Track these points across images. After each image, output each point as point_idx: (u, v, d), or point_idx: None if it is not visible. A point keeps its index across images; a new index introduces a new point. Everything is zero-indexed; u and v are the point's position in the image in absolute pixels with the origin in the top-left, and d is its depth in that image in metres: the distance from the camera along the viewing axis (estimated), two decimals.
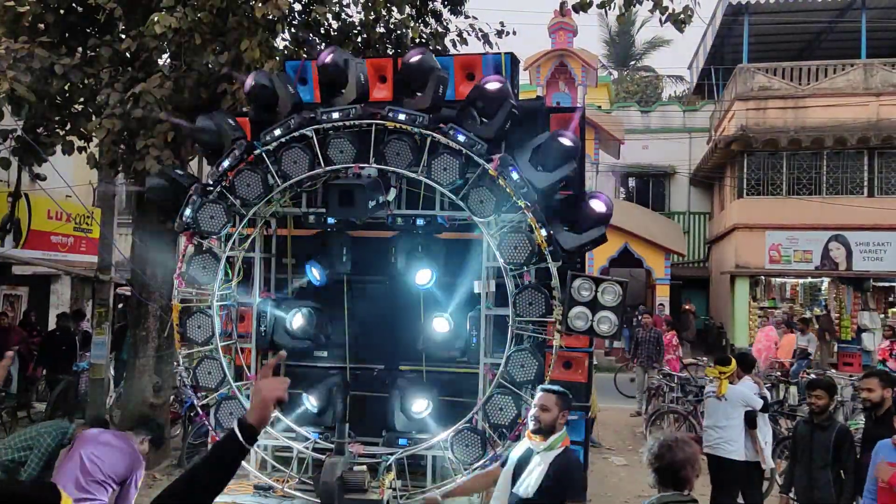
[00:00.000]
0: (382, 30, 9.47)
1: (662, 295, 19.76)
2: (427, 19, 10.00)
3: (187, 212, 5.21)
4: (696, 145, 24.77)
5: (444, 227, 5.42)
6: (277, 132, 5.15)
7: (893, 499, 4.45)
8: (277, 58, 7.89)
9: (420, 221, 5.25)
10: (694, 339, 21.32)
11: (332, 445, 4.85)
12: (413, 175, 4.97)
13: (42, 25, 7.75)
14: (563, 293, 4.80)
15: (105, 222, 10.83)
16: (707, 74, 24.33)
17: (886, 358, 13.80)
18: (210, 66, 7.69)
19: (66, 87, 7.88)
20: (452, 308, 5.37)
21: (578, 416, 5.27)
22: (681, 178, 24.97)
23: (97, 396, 10.58)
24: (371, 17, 9.17)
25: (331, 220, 5.38)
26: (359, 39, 9.40)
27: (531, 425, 3.83)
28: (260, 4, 7.29)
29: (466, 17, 10.21)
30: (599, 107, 23.35)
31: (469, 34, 10.00)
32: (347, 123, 5.07)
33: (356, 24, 9.51)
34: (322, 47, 8.92)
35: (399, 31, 9.41)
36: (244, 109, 5.71)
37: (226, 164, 5.24)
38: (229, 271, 5.54)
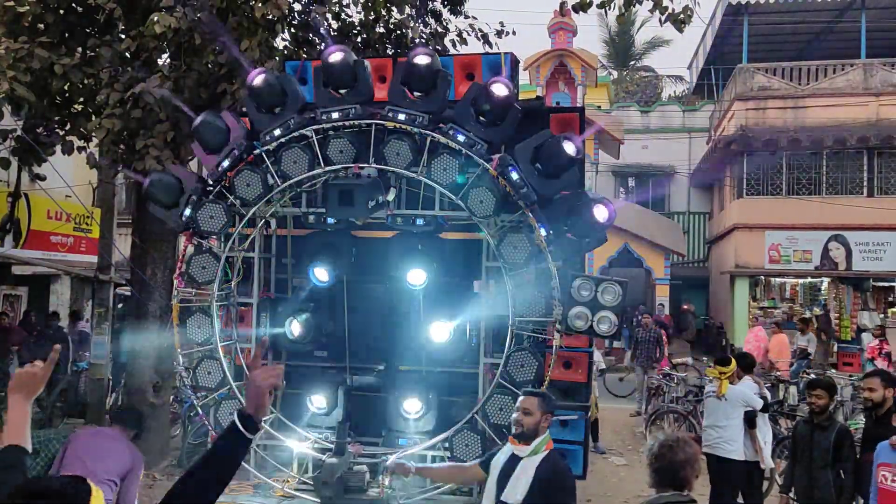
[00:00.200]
0: (382, 30, 9.47)
1: (662, 295, 19.76)
2: (427, 19, 10.00)
3: (187, 211, 5.22)
4: (695, 145, 24.78)
5: (444, 226, 5.42)
6: (277, 132, 5.15)
7: (894, 500, 4.45)
8: (277, 58, 7.89)
9: (420, 221, 5.24)
10: (693, 339, 21.32)
11: (332, 445, 4.85)
12: (413, 175, 4.98)
13: (42, 25, 7.75)
14: (563, 293, 4.80)
15: (104, 222, 10.84)
16: (707, 74, 24.34)
17: (875, 356, 13.83)
18: (210, 66, 7.69)
19: (66, 87, 7.88)
20: (452, 309, 5.38)
21: (578, 415, 5.28)
22: (680, 178, 24.98)
23: (97, 396, 10.59)
24: (371, 17, 9.18)
25: (330, 220, 5.38)
26: (359, 39, 9.41)
27: (513, 430, 3.69)
28: (260, 4, 7.30)
29: (466, 17, 10.21)
30: (599, 107, 23.35)
31: (469, 34, 10.01)
32: (347, 123, 5.07)
33: (356, 24, 9.51)
34: (322, 47, 8.93)
35: (399, 31, 9.41)
36: (244, 109, 5.70)
37: (226, 163, 5.24)
38: (229, 271, 5.54)
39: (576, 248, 5.04)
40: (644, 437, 10.62)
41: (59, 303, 16.48)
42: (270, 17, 7.42)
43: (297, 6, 9.00)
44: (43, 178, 10.58)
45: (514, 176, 4.71)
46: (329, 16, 9.05)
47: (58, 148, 8.37)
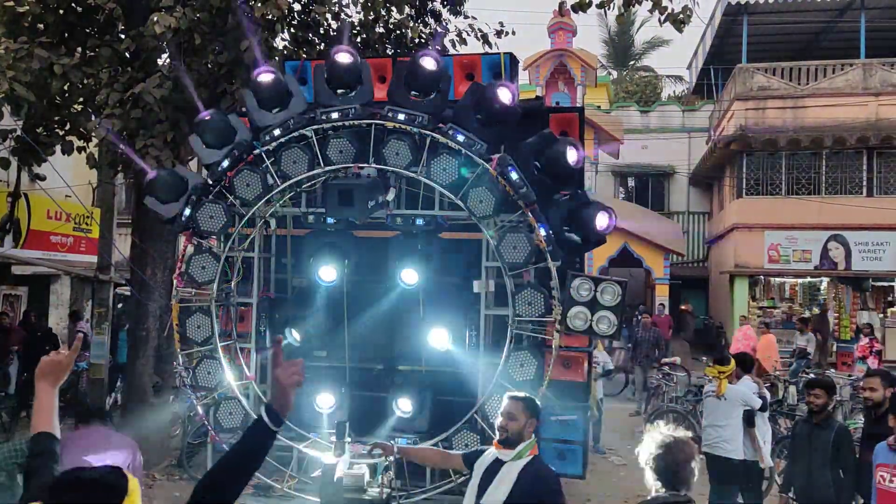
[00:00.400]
0: (382, 30, 9.48)
1: (662, 295, 19.75)
2: (426, 19, 10.01)
3: (187, 211, 5.22)
4: (695, 145, 24.76)
5: (444, 226, 5.43)
6: (277, 132, 5.16)
7: (893, 500, 4.45)
8: (277, 58, 7.90)
9: (419, 221, 5.25)
10: (692, 339, 21.32)
11: (332, 445, 4.86)
12: (412, 175, 4.98)
13: (42, 25, 7.76)
14: (563, 293, 4.80)
15: (104, 222, 10.84)
16: (706, 74, 24.33)
17: (867, 355, 13.83)
18: (210, 65, 7.70)
19: (66, 87, 7.88)
20: (452, 309, 5.38)
21: (578, 415, 5.28)
22: (680, 177, 24.97)
23: (97, 397, 10.57)
24: (370, 17, 9.18)
25: (330, 220, 5.39)
26: (358, 39, 9.41)
27: (498, 434, 3.59)
28: (259, 4, 7.30)
29: (466, 17, 10.22)
30: (599, 107, 23.34)
31: (468, 34, 10.01)
32: (347, 123, 5.08)
33: (355, 24, 9.51)
34: (322, 47, 8.94)
35: (398, 31, 9.41)
36: (244, 109, 5.71)
37: (225, 163, 5.25)
38: (228, 271, 5.55)
39: (575, 248, 5.05)
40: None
41: (58, 303, 16.48)
42: (270, 17, 7.42)
43: (297, 6, 9.01)
44: (43, 178, 10.59)
45: (514, 176, 4.71)
46: (328, 15, 9.05)
47: (57, 148, 8.37)
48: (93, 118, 7.91)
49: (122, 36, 7.86)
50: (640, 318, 14.75)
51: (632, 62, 36.15)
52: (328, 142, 5.08)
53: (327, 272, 5.46)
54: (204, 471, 6.29)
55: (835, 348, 18.28)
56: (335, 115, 5.06)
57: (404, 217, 5.27)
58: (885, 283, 19.04)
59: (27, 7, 7.41)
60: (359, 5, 9.18)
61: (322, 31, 9.29)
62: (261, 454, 2.25)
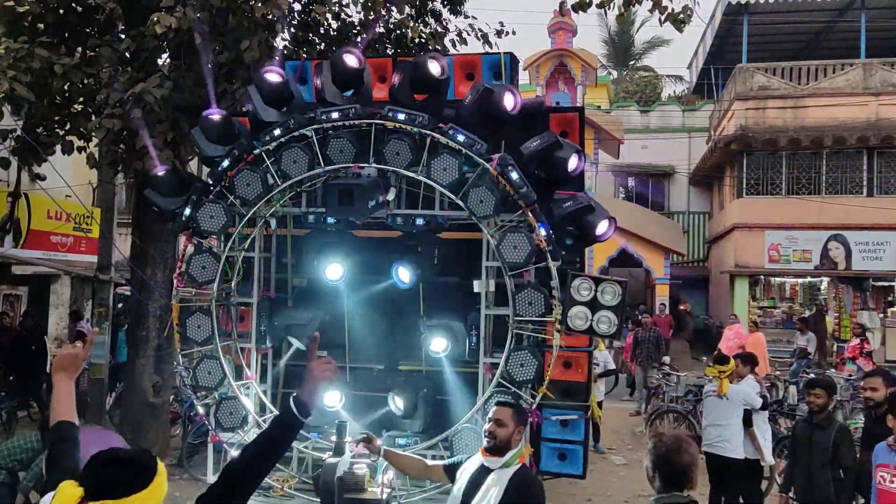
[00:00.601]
0: (382, 30, 9.47)
1: (662, 295, 19.75)
2: (427, 19, 10.01)
3: (187, 211, 5.22)
4: (695, 145, 24.76)
5: (444, 226, 5.43)
6: (277, 132, 5.16)
7: (893, 500, 4.45)
8: (277, 58, 7.89)
9: (420, 221, 5.25)
10: (692, 339, 21.31)
11: (332, 445, 4.86)
12: (412, 175, 4.98)
13: (42, 25, 7.75)
14: (563, 293, 4.80)
15: (104, 222, 10.84)
16: (706, 74, 24.33)
17: (857, 356, 13.82)
18: (210, 65, 7.69)
19: (66, 87, 7.88)
20: (452, 308, 5.38)
21: (578, 415, 5.28)
22: (680, 177, 24.97)
23: (97, 396, 10.58)
24: (371, 17, 9.18)
25: (330, 220, 5.39)
26: (358, 39, 9.40)
27: (486, 442, 3.48)
28: (259, 4, 7.30)
29: (466, 17, 10.22)
30: (599, 106, 23.34)
31: (468, 34, 10.02)
32: (347, 123, 5.08)
33: (356, 23, 9.51)
34: (322, 47, 8.94)
35: (399, 31, 9.41)
36: (244, 109, 5.71)
37: (225, 163, 5.25)
38: (229, 271, 5.54)
39: (569, 247, 5.06)
40: (644, 437, 10.63)
41: (58, 302, 16.48)
42: (270, 16, 7.42)
43: (297, 6, 9.01)
44: (43, 178, 10.58)
45: (514, 176, 4.71)
46: (329, 15, 9.05)
47: (58, 148, 8.37)
48: (93, 118, 7.91)
49: (123, 36, 7.85)
50: (640, 318, 14.74)
51: (632, 62, 36.16)
52: (328, 141, 5.08)
53: (334, 270, 5.46)
54: (204, 471, 6.29)
55: (835, 348, 18.28)
56: (335, 115, 5.06)
57: (404, 217, 5.27)
58: (886, 283, 19.04)
59: (27, 7, 7.41)
60: (359, 5, 9.18)
61: (322, 31, 9.29)
62: (288, 441, 2.44)
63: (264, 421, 5.26)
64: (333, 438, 4.66)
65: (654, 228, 20.19)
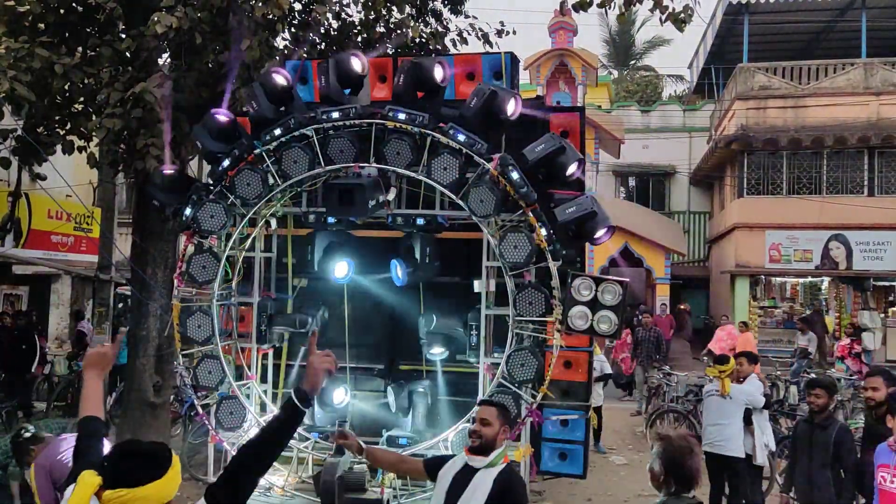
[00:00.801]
0: (382, 29, 9.46)
1: (663, 294, 19.75)
2: (427, 19, 9.99)
3: (188, 211, 5.22)
4: (696, 145, 24.74)
5: (444, 226, 5.43)
6: (277, 132, 5.16)
7: (893, 501, 4.44)
8: (277, 57, 7.89)
9: (420, 221, 5.25)
10: (692, 338, 21.30)
11: (332, 445, 4.86)
12: (413, 175, 4.98)
13: (42, 25, 7.75)
14: (564, 292, 4.80)
15: (105, 222, 10.85)
16: (707, 74, 24.31)
17: (846, 355, 13.78)
18: (210, 65, 7.69)
19: (67, 87, 7.87)
20: (452, 308, 5.38)
21: (579, 415, 5.28)
22: (681, 177, 24.96)
23: None
24: (371, 17, 9.17)
25: (331, 220, 5.39)
26: (359, 39, 9.40)
27: (471, 441, 3.44)
28: (260, 4, 7.29)
29: (466, 16, 10.21)
30: (599, 106, 23.32)
31: (469, 34, 10.00)
32: (347, 123, 5.07)
33: (356, 23, 9.50)
34: (322, 46, 8.93)
35: (399, 31, 9.40)
36: (244, 109, 5.71)
37: (226, 163, 5.25)
38: (229, 270, 5.55)
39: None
40: (644, 437, 10.62)
41: (59, 302, 16.49)
42: (271, 16, 7.41)
43: (298, 6, 9.00)
44: (43, 178, 10.58)
45: (515, 175, 4.71)
46: (329, 15, 9.04)
47: (58, 147, 8.36)
48: (93, 118, 7.90)
49: (123, 35, 7.85)
50: (640, 317, 14.73)
51: (633, 62, 36.14)
52: (329, 141, 5.08)
53: (341, 268, 5.47)
54: (205, 470, 6.29)
55: (835, 348, 18.26)
56: (336, 115, 5.06)
57: (405, 216, 5.27)
58: (887, 283, 19.02)
59: (28, 7, 7.40)
60: (359, 5, 9.17)
61: (323, 31, 9.28)
62: (291, 431, 2.53)
63: (264, 421, 5.26)
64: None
65: (654, 228, 20.19)
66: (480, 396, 5.03)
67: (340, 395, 5.54)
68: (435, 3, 10.08)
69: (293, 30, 8.96)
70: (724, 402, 6.72)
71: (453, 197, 4.90)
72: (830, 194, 18.79)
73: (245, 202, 5.25)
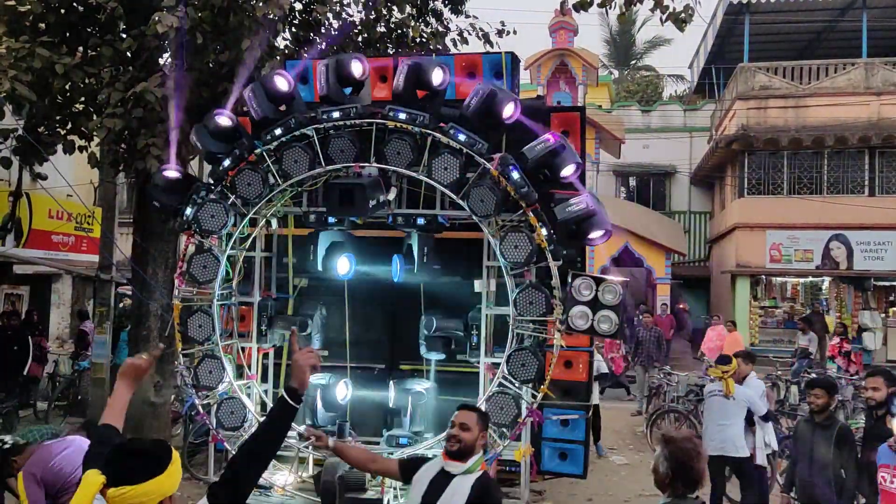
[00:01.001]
0: (383, 29, 9.46)
1: (663, 294, 19.74)
2: (428, 18, 9.99)
3: (189, 211, 5.23)
4: (696, 144, 24.74)
5: (445, 226, 5.43)
6: (278, 131, 5.16)
7: (893, 501, 4.44)
8: (278, 57, 7.89)
9: (421, 220, 5.25)
10: (692, 338, 21.29)
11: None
12: (413, 174, 4.98)
13: (43, 25, 7.75)
14: (564, 292, 4.80)
15: (106, 222, 10.85)
16: (708, 74, 24.29)
17: (835, 355, 13.77)
18: (211, 65, 7.69)
19: (67, 87, 7.87)
20: (453, 307, 5.38)
21: (579, 415, 5.28)
22: (681, 177, 24.95)
23: (98, 396, 10.56)
24: (372, 17, 9.17)
25: (331, 220, 5.40)
26: (359, 39, 9.40)
27: (449, 445, 3.39)
28: (261, 4, 7.29)
29: (467, 16, 10.20)
30: (600, 106, 23.32)
31: (470, 33, 10.00)
32: (348, 123, 5.07)
33: (357, 23, 9.50)
34: (323, 46, 8.93)
35: (399, 31, 9.40)
36: (245, 109, 5.71)
37: (227, 163, 5.25)
38: (230, 270, 5.55)
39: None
40: (645, 437, 10.61)
41: (60, 302, 16.50)
42: (271, 16, 7.41)
43: (298, 5, 9.00)
44: (44, 178, 10.58)
45: (515, 175, 4.71)
46: (330, 15, 9.04)
47: (59, 147, 8.37)
48: (94, 117, 7.91)
49: (124, 35, 7.85)
50: (640, 317, 14.72)
51: (633, 61, 36.13)
52: (329, 141, 5.08)
53: (343, 265, 5.48)
54: (206, 470, 6.29)
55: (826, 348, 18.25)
56: (337, 115, 5.06)
57: (405, 216, 5.28)
58: (887, 283, 19.01)
59: (29, 6, 7.41)
60: (360, 4, 9.17)
61: (323, 31, 9.27)
62: (285, 428, 2.62)
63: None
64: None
65: (655, 228, 20.18)
66: (481, 396, 5.03)
67: (342, 391, 5.54)
68: (435, 2, 10.08)
69: (294, 29, 8.96)
70: (727, 402, 6.71)
71: (454, 197, 4.90)
72: (831, 194, 18.79)
73: (246, 202, 5.25)
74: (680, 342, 19.96)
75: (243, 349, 5.72)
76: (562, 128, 5.25)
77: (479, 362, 5.23)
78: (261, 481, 5.21)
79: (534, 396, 4.87)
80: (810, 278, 19.90)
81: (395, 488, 4.81)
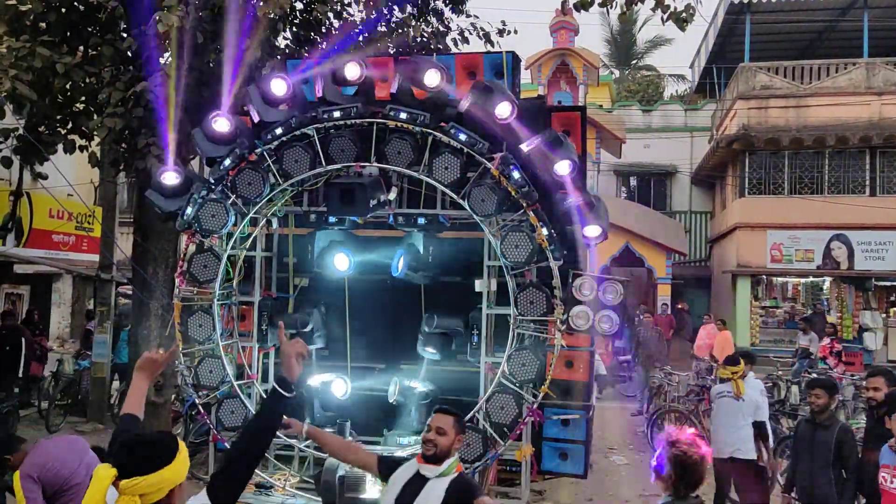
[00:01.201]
0: (383, 28, 9.46)
1: (664, 294, 19.73)
2: (428, 18, 9.99)
3: (189, 210, 5.22)
4: (697, 144, 24.73)
5: (445, 225, 5.42)
6: (279, 131, 5.16)
7: (894, 501, 4.44)
8: (278, 56, 7.89)
9: (421, 220, 5.25)
10: (691, 338, 21.28)
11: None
12: (414, 174, 4.98)
13: (44, 24, 7.75)
14: (565, 292, 4.80)
15: (106, 221, 10.85)
16: (709, 73, 24.28)
17: (826, 355, 13.77)
18: (211, 65, 7.69)
19: (68, 86, 7.87)
20: (453, 307, 5.37)
21: (580, 415, 5.27)
22: (682, 177, 24.94)
23: (99, 395, 10.59)
24: (372, 16, 9.16)
25: (332, 219, 5.39)
26: (360, 38, 9.39)
27: (424, 449, 3.39)
28: (261, 3, 7.29)
29: (468, 15, 10.20)
30: (601, 106, 23.31)
31: (470, 33, 9.99)
32: (349, 122, 5.07)
33: (357, 22, 9.50)
34: (324, 45, 8.93)
35: (400, 30, 9.40)
36: (245, 109, 5.71)
37: (227, 162, 5.25)
38: (230, 270, 5.54)
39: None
40: (645, 437, 10.61)
41: (60, 301, 16.50)
42: (272, 15, 7.41)
43: (299, 5, 9.00)
44: (45, 177, 10.57)
45: (516, 175, 4.71)
46: (330, 14, 9.04)
47: (60, 147, 8.37)
48: (95, 117, 7.91)
49: (125, 35, 7.85)
50: (641, 317, 14.73)
51: (634, 61, 36.10)
52: (330, 140, 5.07)
53: (341, 261, 5.47)
54: (206, 470, 6.29)
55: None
56: (337, 114, 5.06)
57: (406, 216, 5.27)
58: (888, 283, 19.00)
59: (29, 6, 7.41)
60: (360, 4, 9.16)
61: (324, 30, 9.27)
62: (279, 417, 2.73)
63: None
64: None
65: (655, 228, 20.17)
66: (482, 396, 5.02)
67: (340, 388, 5.53)
68: (436, 2, 10.07)
69: (295, 29, 8.96)
70: (738, 403, 6.65)
71: (455, 196, 4.89)
72: (832, 194, 18.78)
73: (246, 201, 5.25)
74: (681, 342, 19.94)
75: (244, 349, 5.72)
76: (562, 128, 5.24)
77: (479, 362, 5.23)
78: (261, 481, 5.22)
79: (534, 396, 4.86)
80: (811, 278, 19.90)
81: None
